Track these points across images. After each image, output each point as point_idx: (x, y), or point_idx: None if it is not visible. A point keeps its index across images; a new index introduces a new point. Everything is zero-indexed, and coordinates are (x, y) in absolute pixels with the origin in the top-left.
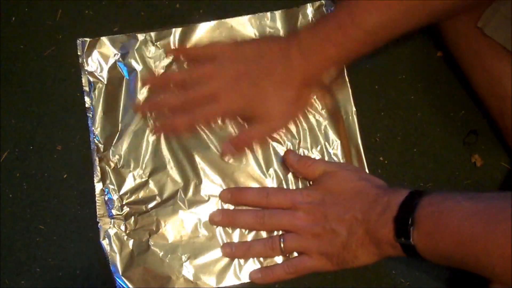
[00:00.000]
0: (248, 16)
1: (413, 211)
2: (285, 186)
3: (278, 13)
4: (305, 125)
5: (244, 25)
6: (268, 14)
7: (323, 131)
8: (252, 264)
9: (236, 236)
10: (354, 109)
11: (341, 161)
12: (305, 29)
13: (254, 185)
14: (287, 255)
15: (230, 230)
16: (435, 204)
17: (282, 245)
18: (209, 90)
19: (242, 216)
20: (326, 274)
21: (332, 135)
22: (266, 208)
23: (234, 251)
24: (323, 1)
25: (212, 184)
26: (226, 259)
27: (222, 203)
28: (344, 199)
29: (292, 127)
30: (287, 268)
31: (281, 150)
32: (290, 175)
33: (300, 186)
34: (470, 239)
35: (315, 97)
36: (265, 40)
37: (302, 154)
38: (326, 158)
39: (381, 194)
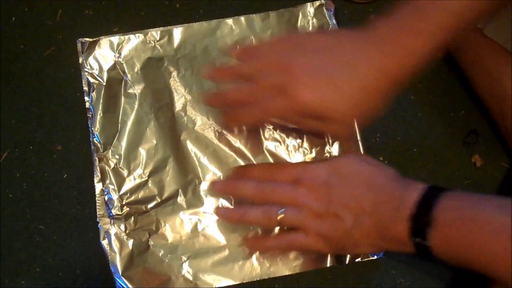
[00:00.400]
0: (246, 16)
1: (431, 211)
2: None
3: (278, 13)
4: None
5: (245, 25)
6: (269, 13)
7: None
8: (251, 264)
9: (236, 236)
10: None
11: None
12: (379, 18)
13: None
14: (284, 228)
15: (229, 231)
16: (460, 209)
17: (279, 216)
18: (276, 81)
19: (243, 187)
20: (326, 274)
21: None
22: (271, 179)
23: (229, 214)
24: (323, 1)
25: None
26: (226, 259)
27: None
28: (351, 184)
29: (296, 127)
30: (280, 239)
31: (283, 151)
32: None
33: None
34: (495, 255)
35: None
36: (333, 33)
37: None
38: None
39: (395, 187)
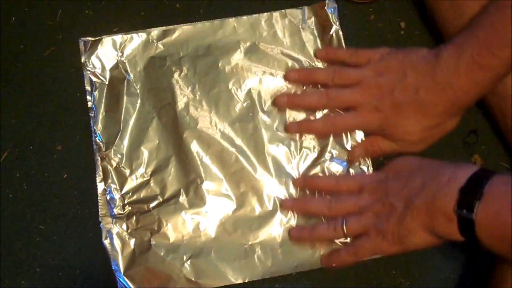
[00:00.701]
0: (249, 16)
1: (483, 185)
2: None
3: (281, 13)
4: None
5: (248, 25)
6: (272, 14)
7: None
8: (252, 263)
9: (236, 235)
10: None
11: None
12: (447, 48)
13: (257, 185)
14: (350, 237)
15: (231, 231)
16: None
17: (344, 226)
18: (350, 99)
19: (312, 202)
20: (326, 274)
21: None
22: (336, 193)
23: (302, 235)
24: (326, 1)
25: (213, 184)
26: (227, 259)
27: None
28: (405, 175)
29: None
30: (349, 250)
31: (284, 152)
32: (295, 175)
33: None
34: None
35: None
36: (409, 55)
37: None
38: (328, 158)
39: (447, 165)
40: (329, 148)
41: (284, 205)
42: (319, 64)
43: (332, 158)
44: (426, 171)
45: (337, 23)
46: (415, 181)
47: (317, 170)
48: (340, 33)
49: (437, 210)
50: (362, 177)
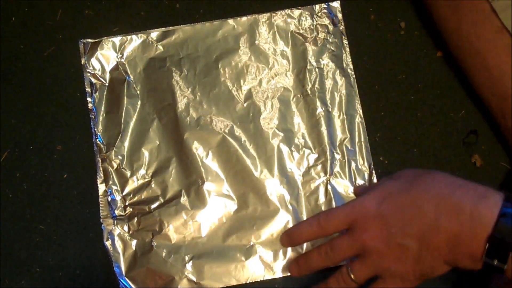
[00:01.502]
0: (249, 16)
1: None
2: (290, 183)
3: (282, 14)
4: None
5: (247, 26)
6: (272, 14)
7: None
8: (254, 264)
9: (237, 235)
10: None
11: (344, 161)
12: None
13: (258, 185)
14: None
15: (232, 231)
16: None
17: (351, 275)
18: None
19: (313, 259)
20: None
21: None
22: (326, 236)
23: None
24: (328, 3)
25: (215, 184)
26: (229, 260)
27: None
28: (406, 205)
29: (298, 127)
30: None
31: (285, 152)
32: (296, 175)
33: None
34: None
35: None
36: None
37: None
38: (329, 158)
39: (460, 195)
40: (329, 148)
41: (292, 272)
42: (318, 64)
43: (333, 158)
44: (435, 201)
45: (339, 23)
46: (426, 215)
47: (318, 169)
48: (343, 33)
49: (463, 253)
50: (347, 212)
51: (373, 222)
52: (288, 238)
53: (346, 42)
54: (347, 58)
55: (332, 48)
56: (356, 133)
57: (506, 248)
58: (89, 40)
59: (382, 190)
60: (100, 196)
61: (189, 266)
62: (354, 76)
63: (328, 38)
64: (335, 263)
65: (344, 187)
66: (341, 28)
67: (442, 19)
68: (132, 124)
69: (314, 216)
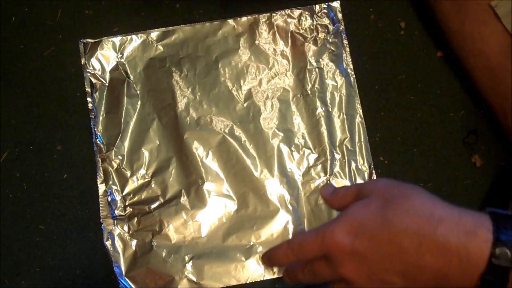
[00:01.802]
0: (249, 16)
1: (507, 272)
2: (290, 183)
3: (282, 14)
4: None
5: (248, 26)
6: (273, 14)
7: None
8: (254, 264)
9: (237, 235)
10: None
11: (344, 161)
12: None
13: (258, 185)
14: None
15: (232, 231)
16: None
17: None
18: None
19: (297, 275)
20: None
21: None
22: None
23: None
24: (328, 3)
25: (215, 184)
26: (229, 260)
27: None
28: (385, 237)
29: (298, 127)
30: None
31: (285, 152)
32: (296, 175)
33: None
34: None
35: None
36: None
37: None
38: (329, 158)
39: (448, 233)
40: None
41: (285, 279)
42: (318, 64)
43: (333, 158)
44: (417, 240)
45: (339, 23)
46: (407, 254)
47: (318, 169)
48: (343, 33)
49: (454, 287)
50: (319, 244)
51: (350, 259)
52: (268, 260)
53: (346, 42)
54: (347, 58)
55: (332, 48)
56: (356, 133)
57: (503, 279)
58: (89, 40)
59: (353, 220)
60: (100, 196)
61: (189, 266)
62: (354, 76)
63: (328, 38)
64: (320, 283)
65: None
66: (341, 28)
67: (445, 19)
68: (132, 124)
69: (288, 244)
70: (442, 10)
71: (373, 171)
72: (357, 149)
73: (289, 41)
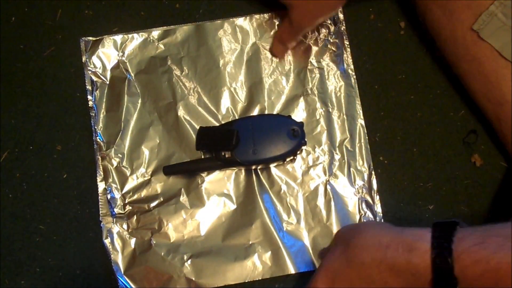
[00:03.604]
0: (252, 15)
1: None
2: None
3: (282, 14)
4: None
5: (245, 25)
6: (273, 14)
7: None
8: (253, 263)
9: (236, 235)
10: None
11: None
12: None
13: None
14: None
15: (231, 230)
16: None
17: None
18: None
19: None
20: None
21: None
22: None
23: None
24: None
25: (214, 184)
26: (227, 259)
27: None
28: (354, 276)
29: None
30: None
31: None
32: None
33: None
34: None
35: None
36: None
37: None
38: (328, 158)
39: (395, 255)
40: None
41: None
42: (319, 65)
43: (333, 159)
44: (377, 269)
45: (340, 24)
46: (376, 283)
47: (318, 169)
48: (344, 34)
49: None
50: None
51: None
52: None
53: (347, 43)
54: (348, 58)
55: (333, 49)
56: (357, 134)
57: (452, 280)
58: (90, 38)
59: (327, 270)
60: (99, 194)
61: (187, 264)
62: (354, 76)
63: (329, 39)
64: None
65: (344, 187)
66: (342, 29)
67: (437, 25)
68: (132, 122)
69: None
70: (434, 17)
71: (373, 172)
72: (357, 150)
73: None
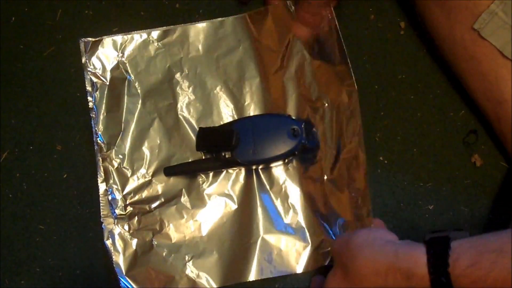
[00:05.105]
0: (250, 15)
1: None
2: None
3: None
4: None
5: (245, 24)
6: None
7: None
8: (254, 263)
9: (237, 235)
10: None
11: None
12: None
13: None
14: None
15: (232, 231)
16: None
17: None
18: None
19: None
20: (327, 273)
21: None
22: None
23: None
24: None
25: (215, 184)
26: (229, 259)
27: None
28: None
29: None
30: None
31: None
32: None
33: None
34: None
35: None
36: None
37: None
38: (328, 158)
39: (394, 281)
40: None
41: None
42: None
43: (332, 159)
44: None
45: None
46: None
47: (318, 169)
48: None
49: None
50: None
51: None
52: None
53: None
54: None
55: (330, 47)
56: (357, 133)
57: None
58: (90, 38)
59: None
60: (100, 195)
61: (189, 265)
62: (353, 76)
63: (326, 37)
64: None
65: (343, 187)
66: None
67: (435, 25)
68: (132, 123)
69: None
70: (432, 17)
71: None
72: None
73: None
